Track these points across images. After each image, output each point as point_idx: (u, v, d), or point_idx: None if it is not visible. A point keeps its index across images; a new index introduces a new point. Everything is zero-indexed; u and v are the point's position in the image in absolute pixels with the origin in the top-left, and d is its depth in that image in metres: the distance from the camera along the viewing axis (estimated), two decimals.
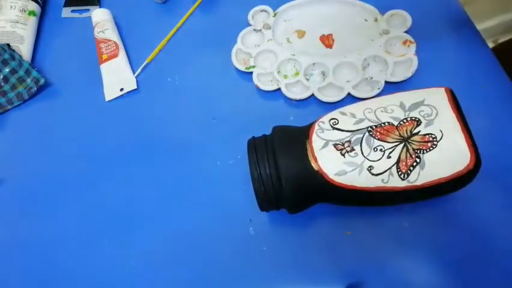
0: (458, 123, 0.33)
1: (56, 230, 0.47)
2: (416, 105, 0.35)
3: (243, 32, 0.56)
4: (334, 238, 0.41)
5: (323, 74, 0.50)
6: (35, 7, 0.64)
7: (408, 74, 0.47)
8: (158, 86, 0.55)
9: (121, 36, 0.61)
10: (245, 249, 0.42)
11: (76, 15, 0.66)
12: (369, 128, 0.34)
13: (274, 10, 0.56)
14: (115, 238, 0.45)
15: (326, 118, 0.37)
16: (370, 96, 0.46)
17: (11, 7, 0.61)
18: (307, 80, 0.50)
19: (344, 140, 0.34)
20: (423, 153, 0.33)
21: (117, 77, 0.57)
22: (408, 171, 0.33)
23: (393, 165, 0.33)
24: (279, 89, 0.50)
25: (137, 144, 0.51)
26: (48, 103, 0.58)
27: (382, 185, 0.33)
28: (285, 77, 0.51)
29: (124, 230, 0.46)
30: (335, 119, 0.36)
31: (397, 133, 0.34)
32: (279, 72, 0.51)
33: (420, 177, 0.33)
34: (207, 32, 0.59)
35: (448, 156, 0.32)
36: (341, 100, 0.48)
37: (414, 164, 0.33)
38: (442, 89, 0.35)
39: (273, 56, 0.53)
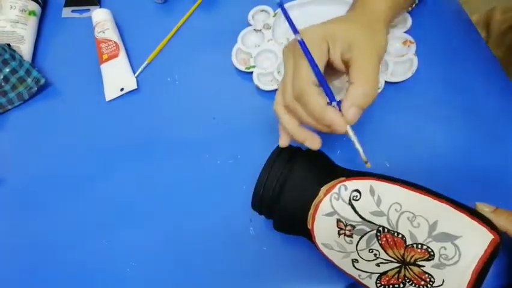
0: (466, 287, 0.28)
1: (56, 230, 0.47)
2: (445, 238, 0.29)
3: (243, 32, 0.56)
4: None
5: None
6: (35, 7, 0.64)
7: (408, 75, 0.47)
8: (159, 85, 0.56)
9: (121, 36, 0.61)
10: (245, 249, 0.42)
11: (76, 15, 0.66)
12: (380, 229, 0.30)
13: (274, 10, 0.56)
14: (115, 238, 0.45)
15: (353, 183, 0.32)
16: None
17: (11, 7, 0.61)
18: None
19: (349, 223, 0.31)
20: (411, 285, 0.30)
21: (117, 77, 0.57)
22: (387, 286, 0.31)
23: (376, 273, 0.31)
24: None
25: (137, 144, 0.51)
26: (49, 103, 0.58)
27: (357, 278, 0.33)
28: None
29: (123, 230, 0.46)
30: (359, 192, 0.31)
31: (402, 253, 0.30)
32: (279, 72, 0.51)
33: None
34: (207, 32, 0.59)
35: None
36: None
37: (396, 286, 0.31)
38: (489, 238, 0.28)
39: (273, 56, 0.53)
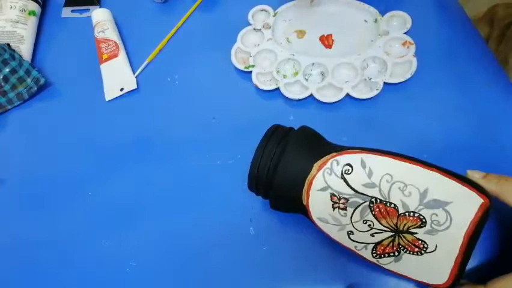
0: (459, 250, 0.29)
1: (56, 230, 0.47)
2: (436, 204, 0.29)
3: (243, 31, 0.56)
4: None
5: (322, 74, 0.50)
6: (35, 7, 0.64)
7: (408, 76, 0.47)
8: (158, 85, 0.56)
9: (121, 36, 0.61)
10: (245, 249, 0.42)
11: (76, 15, 0.66)
12: (373, 200, 0.31)
13: (274, 10, 0.57)
14: (115, 238, 0.45)
15: (345, 158, 0.33)
16: (368, 97, 0.47)
17: (11, 7, 0.61)
18: (306, 80, 0.50)
19: (342, 196, 0.32)
20: (406, 252, 0.31)
21: (117, 77, 0.57)
22: (382, 256, 0.32)
23: (371, 244, 0.32)
24: (278, 89, 0.50)
25: (137, 144, 0.51)
26: (49, 103, 0.58)
27: (353, 249, 0.33)
28: (284, 76, 0.51)
29: (123, 230, 0.46)
30: (351, 166, 0.32)
31: (395, 222, 0.30)
32: (278, 71, 0.51)
33: (390, 265, 0.32)
34: (206, 32, 0.59)
35: (426, 268, 0.31)
36: (340, 100, 0.48)
37: (392, 254, 0.32)
38: (479, 202, 0.29)
39: (273, 55, 0.53)
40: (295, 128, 0.38)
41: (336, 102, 0.48)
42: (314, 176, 0.33)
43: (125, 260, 0.44)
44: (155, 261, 0.43)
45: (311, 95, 0.49)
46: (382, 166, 0.32)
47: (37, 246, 0.47)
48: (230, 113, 0.51)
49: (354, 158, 0.32)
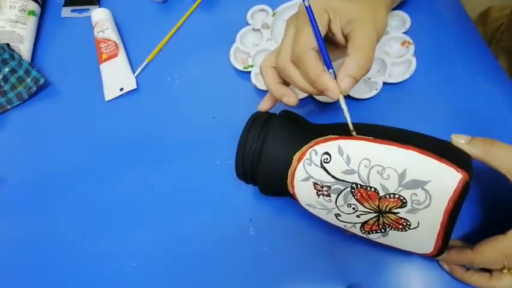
0: (440, 226, 0.30)
1: (56, 230, 0.47)
2: (415, 184, 0.30)
3: (242, 31, 0.56)
4: (334, 238, 0.41)
5: None
6: (34, 7, 0.64)
7: (407, 76, 0.47)
8: (158, 85, 0.56)
9: (121, 36, 0.61)
10: (245, 249, 0.42)
11: (76, 14, 0.66)
12: (354, 185, 0.32)
13: (273, 10, 0.57)
14: (114, 238, 0.46)
15: (322, 147, 0.33)
16: (367, 97, 0.47)
17: (11, 7, 0.61)
18: None
19: (325, 184, 0.33)
20: (391, 229, 0.32)
21: (117, 76, 0.57)
22: (370, 232, 0.34)
23: (358, 223, 0.34)
24: None
25: (137, 144, 0.51)
26: (48, 103, 0.58)
27: (344, 228, 0.35)
28: None
29: (123, 230, 0.46)
30: (329, 155, 0.33)
31: (377, 203, 0.31)
32: None
33: (379, 239, 0.34)
34: (206, 32, 0.59)
35: (412, 241, 0.33)
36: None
37: (379, 231, 0.33)
38: (458, 177, 0.29)
39: None
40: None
41: (335, 102, 0.48)
42: (295, 167, 0.34)
43: (125, 260, 0.44)
44: (155, 261, 0.43)
45: (310, 95, 0.49)
46: (359, 151, 0.32)
47: (37, 246, 0.47)
48: (230, 113, 0.51)
49: (331, 146, 0.33)
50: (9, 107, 0.58)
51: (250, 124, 0.38)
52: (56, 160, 0.52)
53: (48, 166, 0.52)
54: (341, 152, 0.32)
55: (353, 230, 0.35)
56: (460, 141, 0.33)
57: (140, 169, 0.49)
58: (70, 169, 0.51)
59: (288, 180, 0.35)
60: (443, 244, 0.31)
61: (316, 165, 0.33)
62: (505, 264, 0.32)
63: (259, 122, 0.38)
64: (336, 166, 0.32)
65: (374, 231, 0.33)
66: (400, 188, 0.30)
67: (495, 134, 0.43)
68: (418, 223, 0.31)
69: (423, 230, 0.31)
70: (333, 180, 0.32)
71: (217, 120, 0.51)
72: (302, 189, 0.35)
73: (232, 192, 0.45)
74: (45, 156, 0.53)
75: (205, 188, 0.46)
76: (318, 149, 0.33)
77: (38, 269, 0.45)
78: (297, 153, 0.35)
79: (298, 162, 0.34)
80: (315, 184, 0.33)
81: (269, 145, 0.36)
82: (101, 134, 0.53)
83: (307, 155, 0.34)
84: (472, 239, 0.34)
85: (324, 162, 0.33)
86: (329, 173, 0.33)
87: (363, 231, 0.34)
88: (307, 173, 0.34)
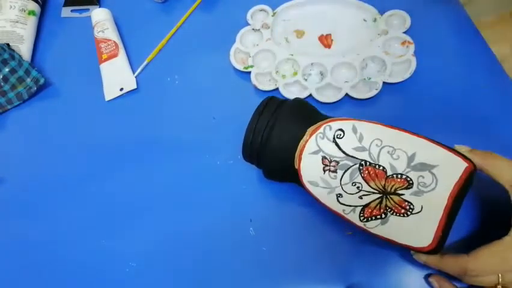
0: (443, 211, 0.31)
1: (56, 230, 0.47)
2: (423, 167, 0.31)
3: (242, 31, 0.56)
4: (334, 238, 0.41)
5: (321, 74, 0.50)
6: (34, 7, 0.64)
7: (407, 75, 0.47)
8: (158, 85, 0.56)
9: (121, 36, 0.61)
10: (245, 249, 0.42)
11: (76, 14, 0.66)
12: (363, 162, 0.32)
13: (273, 10, 0.57)
14: (114, 238, 0.45)
15: (337, 124, 0.35)
16: (367, 96, 0.47)
17: (11, 7, 0.61)
18: (306, 80, 0.50)
19: (333, 159, 0.33)
20: (392, 214, 0.32)
21: (117, 76, 0.57)
22: (369, 219, 0.33)
23: (359, 206, 0.33)
24: (277, 89, 0.50)
25: (137, 144, 0.51)
26: (48, 103, 0.58)
27: (341, 213, 0.35)
28: (283, 77, 0.51)
29: (123, 230, 0.46)
30: (343, 131, 0.34)
31: (383, 183, 0.32)
32: (277, 72, 0.51)
33: (376, 228, 0.34)
34: (206, 32, 0.59)
35: (412, 230, 0.32)
36: (339, 100, 0.48)
37: (378, 217, 0.33)
38: (464, 166, 0.31)
39: (272, 55, 0.53)
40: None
41: (335, 102, 0.48)
42: (307, 140, 0.35)
43: (125, 260, 0.44)
44: (155, 261, 0.43)
45: (310, 95, 0.49)
46: (373, 132, 0.33)
47: (37, 246, 0.47)
48: (230, 113, 0.51)
49: (346, 124, 0.34)
50: (9, 107, 0.58)
51: (264, 105, 0.39)
52: (56, 160, 0.52)
53: (48, 166, 0.52)
54: (355, 130, 0.34)
55: (351, 216, 0.34)
56: (461, 149, 0.34)
57: (140, 169, 0.49)
58: (69, 169, 0.51)
59: (296, 154, 0.35)
60: (443, 235, 0.31)
61: (328, 140, 0.34)
62: (499, 280, 0.32)
63: (274, 103, 0.39)
64: (348, 142, 0.33)
65: (373, 217, 0.33)
66: (408, 169, 0.31)
67: (495, 134, 0.44)
68: (422, 207, 0.31)
69: (425, 216, 0.31)
70: (343, 155, 0.33)
71: (217, 120, 0.51)
72: (309, 163, 0.35)
73: (232, 192, 0.45)
74: (46, 156, 0.53)
75: (205, 188, 0.46)
76: (333, 125, 0.35)
77: (38, 268, 0.45)
78: (311, 127, 0.36)
79: (311, 135, 0.35)
80: (323, 158, 0.34)
81: (283, 118, 0.37)
82: (101, 134, 0.53)
83: (321, 129, 0.35)
84: (468, 246, 0.34)
85: (337, 137, 0.34)
86: (340, 148, 0.33)
87: (362, 217, 0.34)
88: (318, 146, 0.34)
